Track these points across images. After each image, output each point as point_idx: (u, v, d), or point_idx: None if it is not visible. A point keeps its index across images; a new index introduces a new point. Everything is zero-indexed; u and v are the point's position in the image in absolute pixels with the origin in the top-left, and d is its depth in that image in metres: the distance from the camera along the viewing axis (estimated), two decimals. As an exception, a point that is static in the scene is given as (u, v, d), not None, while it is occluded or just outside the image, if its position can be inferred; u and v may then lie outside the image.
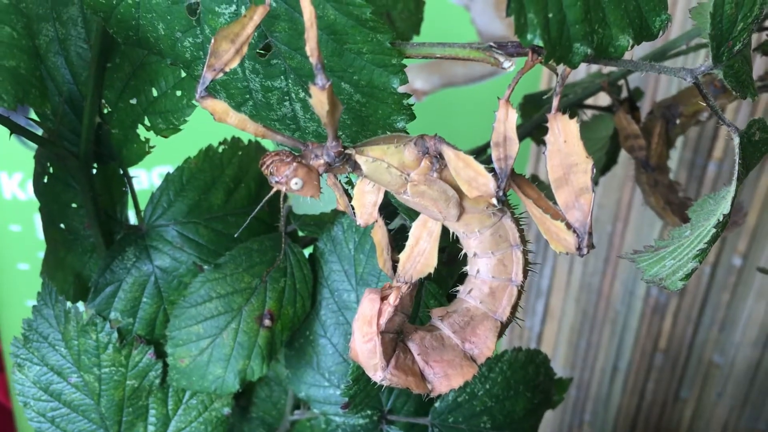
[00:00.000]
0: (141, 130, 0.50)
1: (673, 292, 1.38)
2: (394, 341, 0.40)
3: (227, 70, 0.34)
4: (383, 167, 0.38)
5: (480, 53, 0.35)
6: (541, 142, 0.72)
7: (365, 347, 0.39)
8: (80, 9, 0.48)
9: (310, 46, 0.32)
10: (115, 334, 0.53)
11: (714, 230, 0.39)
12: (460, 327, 0.41)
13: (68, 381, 0.54)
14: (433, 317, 0.42)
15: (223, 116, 0.34)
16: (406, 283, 0.40)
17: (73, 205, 0.53)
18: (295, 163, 0.36)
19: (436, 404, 0.56)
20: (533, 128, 0.65)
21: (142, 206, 0.54)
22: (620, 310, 1.44)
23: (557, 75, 0.36)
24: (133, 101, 0.48)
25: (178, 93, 0.47)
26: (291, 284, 0.53)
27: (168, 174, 0.54)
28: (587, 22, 0.34)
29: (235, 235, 0.52)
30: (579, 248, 0.37)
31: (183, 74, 0.47)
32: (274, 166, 0.36)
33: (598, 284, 1.44)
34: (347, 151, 0.37)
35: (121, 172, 0.52)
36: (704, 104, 0.65)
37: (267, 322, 0.52)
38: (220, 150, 0.55)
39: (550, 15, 0.32)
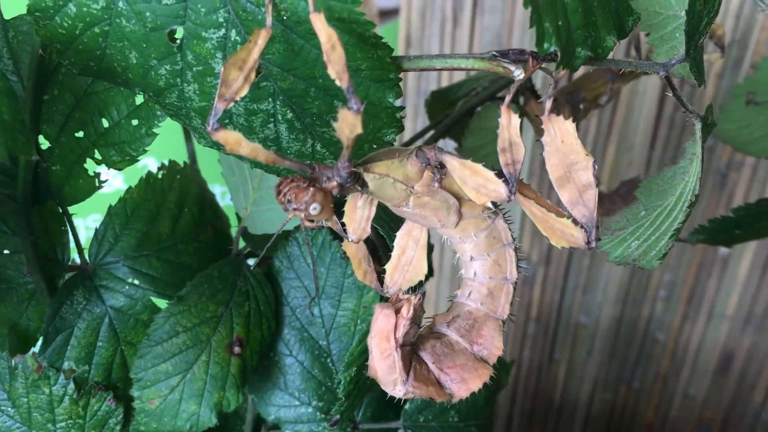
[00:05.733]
0: (89, 165, 0.46)
1: (539, 262, 1.46)
2: (410, 354, 0.40)
3: (237, 99, 0.33)
4: (389, 183, 0.38)
5: (485, 63, 0.36)
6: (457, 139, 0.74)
7: (384, 364, 0.39)
8: (5, 39, 0.44)
9: (337, 70, 0.32)
10: (72, 385, 0.49)
11: (687, 210, 0.42)
12: (466, 331, 0.42)
13: (18, 442, 0.50)
14: (437, 324, 0.42)
15: (236, 147, 0.33)
16: (415, 294, 0.41)
17: (6, 252, 0.49)
18: (312, 189, 0.35)
19: (406, 406, 0.56)
20: (452, 125, 0.67)
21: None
22: (492, 286, 1.50)
23: (552, 78, 0.38)
24: (80, 134, 0.45)
25: (134, 122, 0.44)
26: (255, 307, 0.51)
27: (110, 207, 0.50)
28: (586, 26, 0.35)
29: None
30: (588, 242, 0.38)
31: (138, 102, 0.44)
32: (291, 194, 0.35)
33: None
34: (356, 170, 0.36)
35: (60, 210, 0.48)
36: (603, 89, 0.70)
37: (237, 349, 0.50)
38: (159, 176, 0.52)
39: (560, 23, 0.34)
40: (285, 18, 0.35)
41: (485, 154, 0.78)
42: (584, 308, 1.48)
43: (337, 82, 0.31)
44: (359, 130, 0.32)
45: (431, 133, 0.69)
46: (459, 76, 1.28)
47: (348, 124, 0.32)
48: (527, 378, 1.56)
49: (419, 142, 0.70)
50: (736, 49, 1.10)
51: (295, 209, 0.35)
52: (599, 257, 1.42)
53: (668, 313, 1.41)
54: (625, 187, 0.81)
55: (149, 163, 1.03)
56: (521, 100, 0.70)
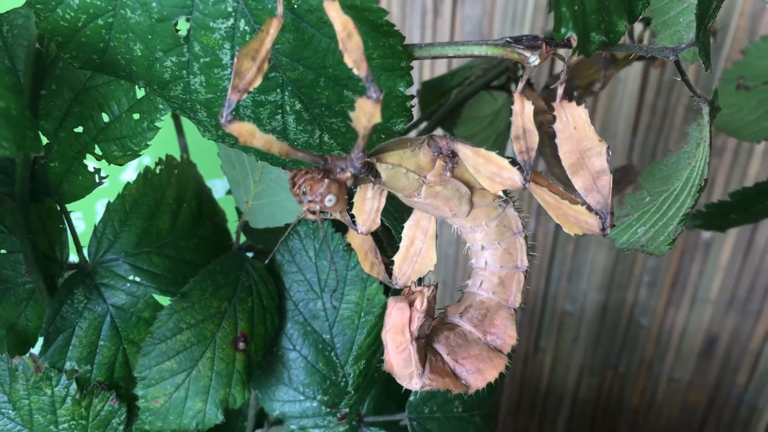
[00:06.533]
0: (89, 160, 0.45)
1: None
2: (424, 346, 0.40)
3: (251, 89, 0.32)
4: (402, 173, 0.37)
5: (499, 50, 0.36)
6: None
7: (400, 357, 0.39)
8: (-1, 33, 0.43)
9: (354, 59, 0.31)
10: (74, 386, 0.48)
11: (696, 194, 0.42)
12: (478, 320, 0.42)
13: (19, 445, 0.49)
14: (450, 315, 0.42)
15: (249, 139, 0.32)
16: (428, 286, 0.40)
17: (3, 251, 0.47)
18: (327, 180, 0.34)
19: (411, 398, 0.56)
20: (446, 115, 0.66)
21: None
22: (476, 276, 1.50)
23: (565, 63, 0.37)
24: (79, 129, 0.44)
25: (136, 116, 0.43)
26: (258, 302, 0.50)
27: (109, 203, 0.49)
28: (599, 11, 0.35)
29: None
30: (603, 228, 0.38)
31: (139, 95, 0.43)
32: (306, 185, 0.34)
33: (453, 254, 1.49)
34: (370, 161, 0.36)
35: (59, 208, 0.47)
36: (597, 75, 0.69)
37: (241, 345, 0.49)
38: (157, 171, 0.51)
39: (576, 7, 0.33)
40: (296, 6, 0.35)
41: (477, 143, 0.78)
42: (569, 296, 1.48)
43: (355, 71, 0.31)
44: (378, 119, 0.31)
45: (424, 124, 0.68)
46: (441, 68, 1.28)
47: (366, 113, 0.31)
48: (513, 366, 1.56)
49: (412, 134, 0.70)
50: (717, 36, 1.11)
51: (310, 201, 0.34)
52: (583, 245, 1.43)
53: (652, 299, 1.42)
54: (618, 173, 0.81)
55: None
56: (513, 89, 0.70)
